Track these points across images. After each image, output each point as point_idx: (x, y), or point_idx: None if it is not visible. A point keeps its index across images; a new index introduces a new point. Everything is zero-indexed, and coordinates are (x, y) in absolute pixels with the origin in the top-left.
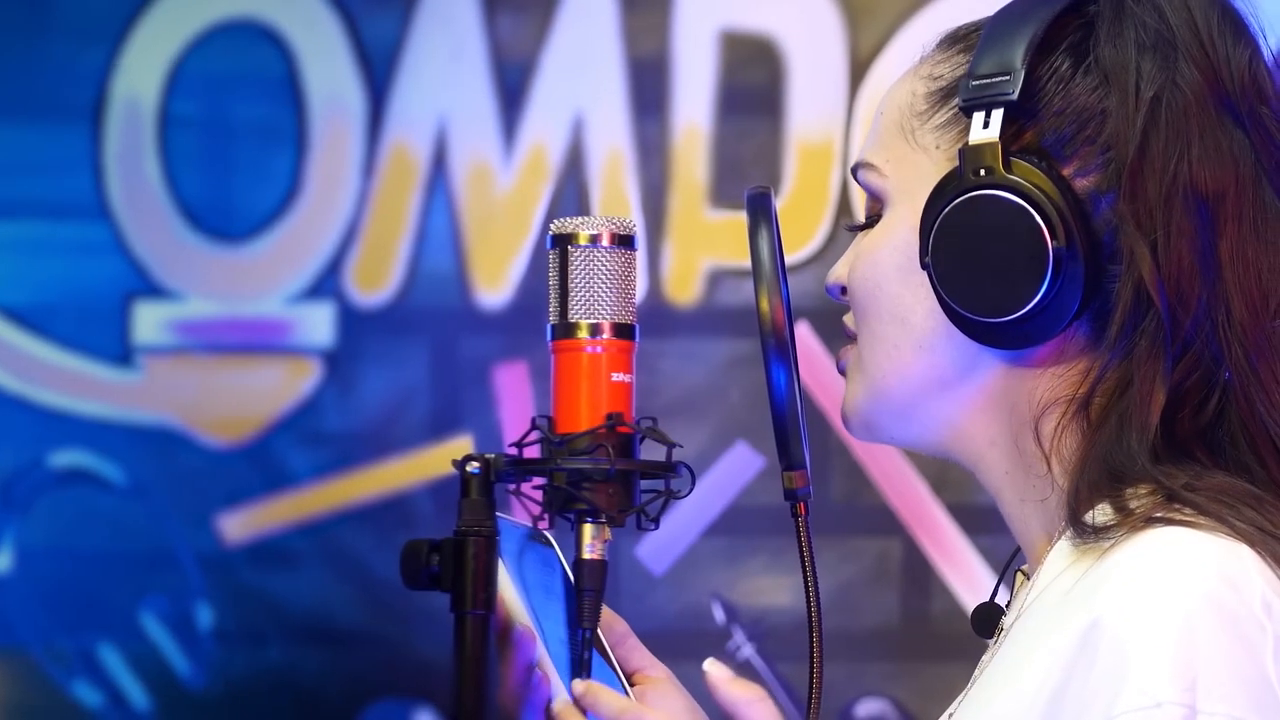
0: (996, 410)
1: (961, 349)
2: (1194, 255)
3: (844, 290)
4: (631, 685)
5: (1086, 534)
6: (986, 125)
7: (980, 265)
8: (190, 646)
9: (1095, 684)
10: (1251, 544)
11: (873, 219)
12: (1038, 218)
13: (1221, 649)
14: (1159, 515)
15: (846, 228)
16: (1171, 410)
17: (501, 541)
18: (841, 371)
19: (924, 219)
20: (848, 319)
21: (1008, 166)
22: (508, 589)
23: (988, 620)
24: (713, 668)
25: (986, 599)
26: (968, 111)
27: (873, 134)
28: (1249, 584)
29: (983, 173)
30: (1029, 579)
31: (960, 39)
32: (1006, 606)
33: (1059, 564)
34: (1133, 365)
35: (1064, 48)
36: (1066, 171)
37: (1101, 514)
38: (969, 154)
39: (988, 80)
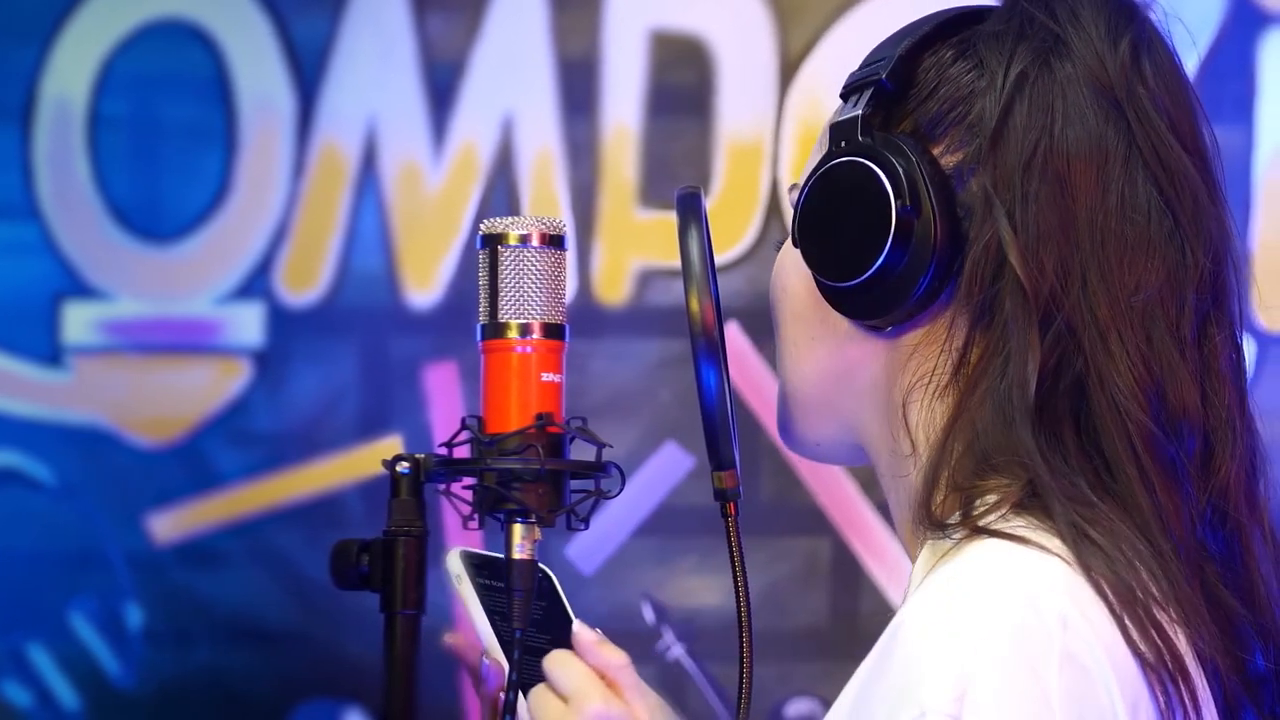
0: (878, 401)
1: (843, 335)
2: (1051, 223)
3: None
4: None
5: (934, 526)
6: (857, 105)
7: (834, 232)
8: (120, 646)
9: (883, 693)
10: (1069, 560)
11: None
12: (882, 176)
13: (1001, 664)
14: (985, 527)
15: (776, 245)
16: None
17: (468, 573)
18: None
19: (796, 202)
20: None
21: (865, 136)
22: (477, 619)
23: None
24: (582, 630)
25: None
26: (845, 98)
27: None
28: (1049, 600)
29: (843, 144)
30: None
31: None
32: None
33: (920, 571)
34: (1005, 334)
35: (952, 41)
36: (936, 150)
37: (950, 508)
38: (833, 131)
39: (865, 68)
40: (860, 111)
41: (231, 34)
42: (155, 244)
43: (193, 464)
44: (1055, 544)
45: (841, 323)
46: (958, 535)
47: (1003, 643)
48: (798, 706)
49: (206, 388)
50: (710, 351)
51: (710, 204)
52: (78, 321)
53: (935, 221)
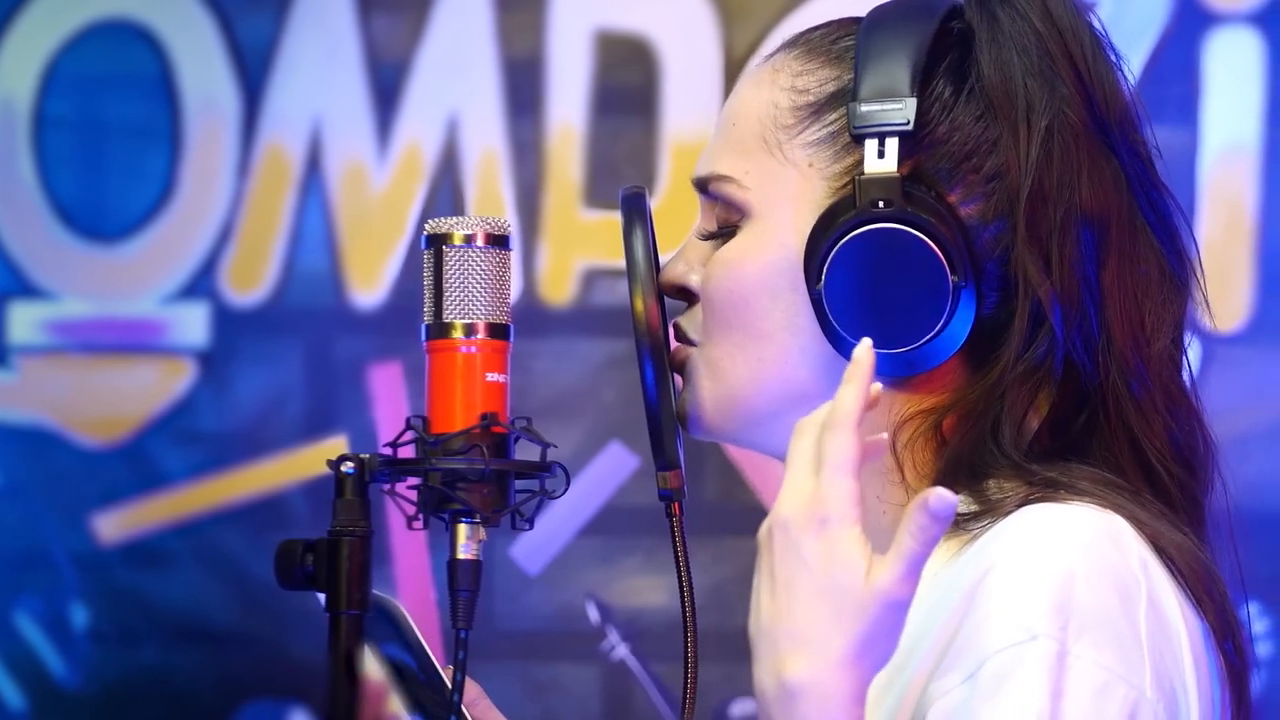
0: None
1: (829, 366)
2: (1080, 283)
3: (679, 291)
4: None
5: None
6: (882, 155)
7: (877, 297)
8: (65, 646)
9: (977, 622)
10: (1126, 519)
11: (726, 228)
12: (940, 254)
13: (1098, 600)
14: (1033, 497)
15: (699, 236)
16: (1042, 424)
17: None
18: (676, 369)
19: (813, 245)
20: (684, 321)
21: (906, 199)
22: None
23: None
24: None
25: None
26: (859, 139)
27: (723, 144)
28: (1128, 544)
29: (881, 204)
30: None
31: (819, 49)
32: None
33: (930, 565)
34: (1019, 382)
35: (942, 70)
36: (952, 199)
37: (964, 504)
38: (866, 185)
39: (877, 107)
40: (895, 169)
41: (176, 34)
42: (100, 244)
43: (138, 464)
44: (1108, 505)
45: (825, 353)
46: (984, 521)
47: (1098, 581)
48: (742, 706)
49: (151, 388)
50: (654, 351)
51: (655, 203)
52: (23, 321)
53: (978, 290)
